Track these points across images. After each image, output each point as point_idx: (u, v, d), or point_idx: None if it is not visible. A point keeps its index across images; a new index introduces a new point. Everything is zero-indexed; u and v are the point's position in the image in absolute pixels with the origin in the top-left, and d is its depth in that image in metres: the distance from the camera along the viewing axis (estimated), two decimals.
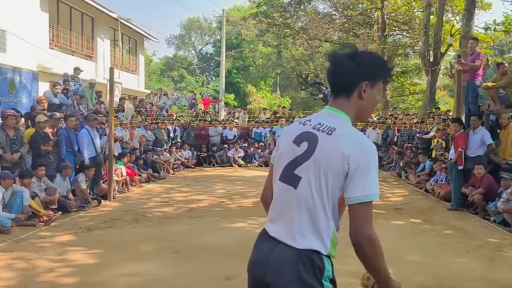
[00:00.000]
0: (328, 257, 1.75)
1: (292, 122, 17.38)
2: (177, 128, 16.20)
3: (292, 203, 1.74)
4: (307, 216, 1.70)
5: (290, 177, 1.75)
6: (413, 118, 15.69)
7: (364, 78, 1.75)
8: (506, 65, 9.16)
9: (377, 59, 1.83)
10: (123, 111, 12.69)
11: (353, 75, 1.75)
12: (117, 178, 9.43)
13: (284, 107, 23.04)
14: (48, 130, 8.24)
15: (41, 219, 6.66)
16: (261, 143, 16.62)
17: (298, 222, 1.71)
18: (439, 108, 17.57)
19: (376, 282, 1.78)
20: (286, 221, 1.75)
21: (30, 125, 8.55)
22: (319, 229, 1.70)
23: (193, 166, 15.12)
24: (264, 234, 1.84)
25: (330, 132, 1.71)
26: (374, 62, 1.78)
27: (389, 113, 17.71)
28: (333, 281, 1.76)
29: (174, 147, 14.72)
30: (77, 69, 12.64)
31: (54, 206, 7.30)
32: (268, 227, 1.83)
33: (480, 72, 8.95)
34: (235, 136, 16.61)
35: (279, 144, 1.88)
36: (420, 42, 19.34)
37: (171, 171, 13.34)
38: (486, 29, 16.31)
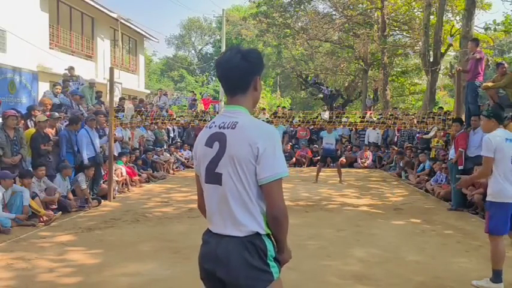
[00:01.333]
0: (267, 235, 1.93)
1: (291, 122, 17.42)
2: (175, 127, 16.19)
3: (222, 198, 1.92)
4: (239, 205, 1.89)
5: (213, 176, 1.94)
6: (414, 118, 15.70)
7: (257, 73, 2.01)
8: (505, 65, 9.15)
9: (259, 53, 2.05)
10: (123, 111, 12.70)
11: (250, 73, 1.99)
12: (117, 178, 9.43)
13: (284, 107, 23.04)
14: (49, 130, 8.24)
15: (41, 219, 6.65)
16: None
17: (234, 213, 1.89)
18: (442, 108, 17.55)
19: (280, 245, 1.98)
20: (224, 215, 1.93)
21: (28, 125, 8.53)
22: (252, 213, 1.89)
23: (193, 166, 15.10)
24: (208, 232, 2.03)
25: (233, 126, 1.92)
26: (259, 57, 2.02)
27: (390, 113, 17.71)
28: (276, 259, 1.94)
29: (173, 146, 14.71)
30: (71, 69, 12.62)
31: (54, 206, 7.29)
32: (211, 227, 2.01)
33: (481, 72, 8.95)
34: None
35: (195, 153, 2.08)
36: (420, 42, 19.35)
37: (171, 171, 13.34)
38: (486, 29, 16.33)
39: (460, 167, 8.14)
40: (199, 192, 2.12)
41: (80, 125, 8.71)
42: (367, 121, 16.81)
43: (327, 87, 26.34)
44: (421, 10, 20.41)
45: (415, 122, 14.69)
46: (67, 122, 9.31)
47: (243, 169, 1.86)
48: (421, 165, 11.56)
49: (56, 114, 9.05)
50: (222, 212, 1.93)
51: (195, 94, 22.97)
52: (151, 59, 47.46)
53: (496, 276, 4.12)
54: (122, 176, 9.71)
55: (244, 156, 1.85)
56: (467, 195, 7.92)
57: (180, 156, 14.77)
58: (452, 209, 8.12)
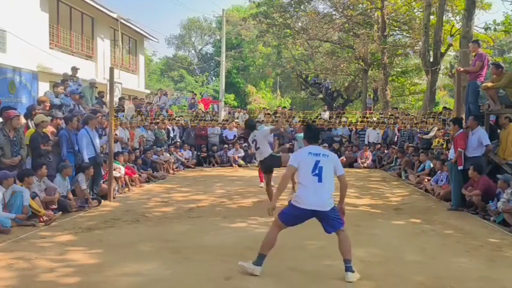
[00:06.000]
0: None
1: (291, 122, 17.40)
2: (175, 127, 16.19)
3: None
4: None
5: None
6: (413, 118, 15.69)
7: None
8: (499, 65, 9.10)
9: None
10: (123, 111, 12.69)
11: None
12: (118, 174, 9.38)
13: (284, 107, 23.04)
14: (50, 129, 8.21)
15: (41, 219, 6.65)
16: None
17: None
18: (446, 108, 17.47)
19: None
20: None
21: (29, 125, 8.50)
22: None
23: (193, 166, 15.11)
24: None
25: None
26: None
27: (389, 113, 17.70)
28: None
29: (173, 146, 14.69)
30: (74, 69, 12.61)
31: (54, 206, 7.28)
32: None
33: (483, 72, 8.94)
34: (235, 136, 16.60)
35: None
36: (420, 42, 19.33)
37: (171, 171, 13.34)
38: (486, 29, 16.34)
39: (460, 167, 8.14)
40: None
41: (77, 122, 8.67)
42: (367, 121, 16.81)
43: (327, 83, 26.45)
44: (421, 10, 20.40)
45: (415, 122, 14.68)
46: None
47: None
48: (421, 165, 11.55)
49: (59, 113, 9.04)
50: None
51: (195, 94, 22.97)
52: (151, 59, 47.47)
53: (260, 260, 4.38)
54: (119, 174, 9.63)
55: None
56: (466, 195, 7.93)
57: (180, 156, 14.76)
58: (452, 209, 8.12)
